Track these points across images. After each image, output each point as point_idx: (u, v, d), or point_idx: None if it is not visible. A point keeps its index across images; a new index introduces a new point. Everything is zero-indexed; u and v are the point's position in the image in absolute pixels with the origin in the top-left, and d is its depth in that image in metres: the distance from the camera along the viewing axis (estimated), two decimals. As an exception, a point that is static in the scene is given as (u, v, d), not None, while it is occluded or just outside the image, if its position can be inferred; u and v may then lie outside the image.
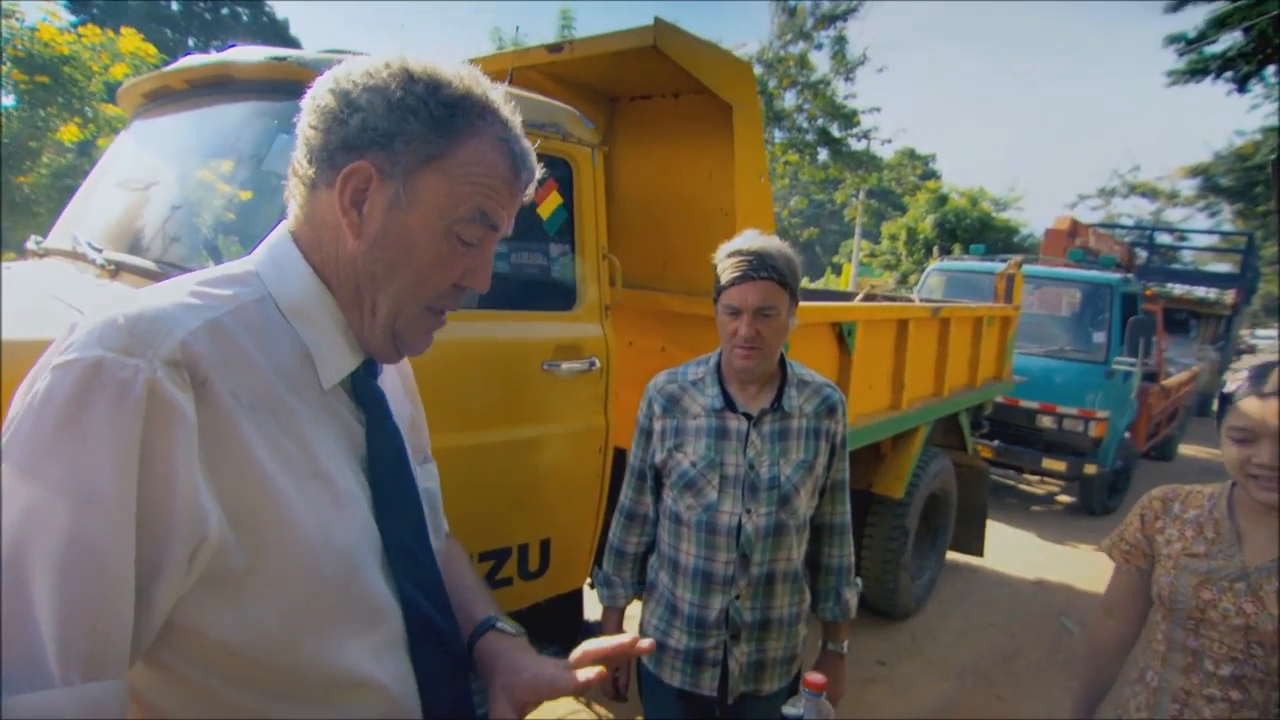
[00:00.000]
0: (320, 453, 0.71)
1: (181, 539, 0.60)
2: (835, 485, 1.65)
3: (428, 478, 0.93)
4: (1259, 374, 1.32)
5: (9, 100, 6.67)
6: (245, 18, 22.77)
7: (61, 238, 2.09)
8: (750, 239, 1.49)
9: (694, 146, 2.63)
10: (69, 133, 6.81)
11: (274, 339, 0.72)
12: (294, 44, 24.04)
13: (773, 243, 1.49)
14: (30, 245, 2.17)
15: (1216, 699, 1.34)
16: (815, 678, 1.02)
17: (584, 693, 2.18)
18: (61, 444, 0.57)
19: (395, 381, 0.93)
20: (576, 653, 0.81)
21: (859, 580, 1.72)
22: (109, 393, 0.58)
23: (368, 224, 0.73)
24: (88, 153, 7.02)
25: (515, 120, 0.78)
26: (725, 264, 1.49)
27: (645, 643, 0.81)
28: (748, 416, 1.53)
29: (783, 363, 1.59)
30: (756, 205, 2.55)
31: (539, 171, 0.82)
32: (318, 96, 0.73)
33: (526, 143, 0.79)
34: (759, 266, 1.44)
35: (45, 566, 0.56)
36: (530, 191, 0.82)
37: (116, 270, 1.69)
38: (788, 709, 0.92)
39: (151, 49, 8.01)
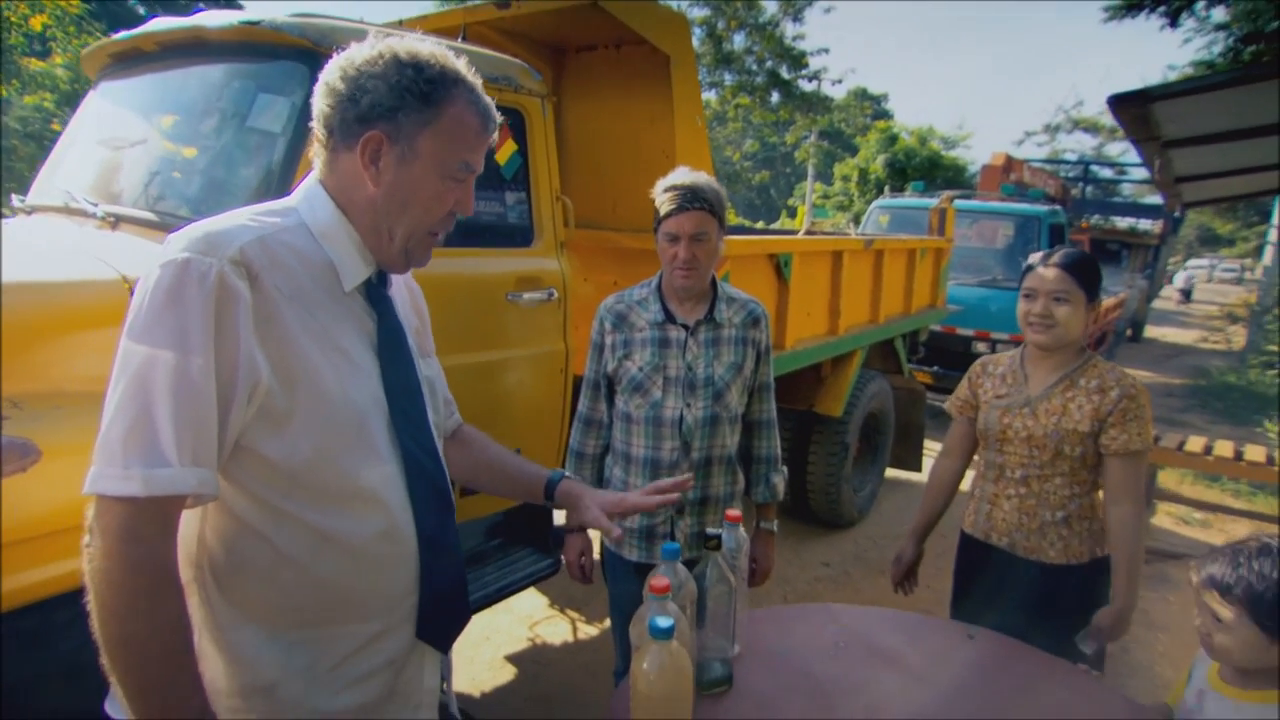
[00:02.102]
0: (339, 333, 0.99)
1: (243, 380, 0.88)
2: (761, 387, 1.95)
3: (428, 368, 1.20)
4: (1043, 255, 1.82)
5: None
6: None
7: (45, 194, 2.23)
8: (682, 175, 1.75)
9: (636, 94, 2.84)
10: (-11, 90, 6.61)
11: (308, 253, 0.98)
12: (223, -9, 22.87)
13: (701, 177, 1.75)
14: (15, 203, 2.30)
15: (1011, 496, 1.90)
16: (733, 513, 1.33)
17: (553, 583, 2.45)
18: (167, 314, 0.85)
19: (404, 298, 1.20)
20: (649, 486, 1.29)
21: (784, 469, 2.04)
22: (194, 280, 0.86)
23: (383, 175, 0.99)
24: (7, 111, 6.86)
25: (478, 82, 1.04)
26: (663, 197, 1.74)
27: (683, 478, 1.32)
28: (685, 327, 1.81)
29: (714, 283, 1.86)
30: (694, 146, 2.79)
31: (499, 118, 1.07)
32: (330, 81, 0.98)
33: (488, 98, 1.05)
34: (692, 198, 1.70)
35: (163, 390, 0.84)
36: (495, 135, 1.08)
37: (116, 222, 1.87)
38: (710, 529, 1.21)
39: (75, -1, 7.74)
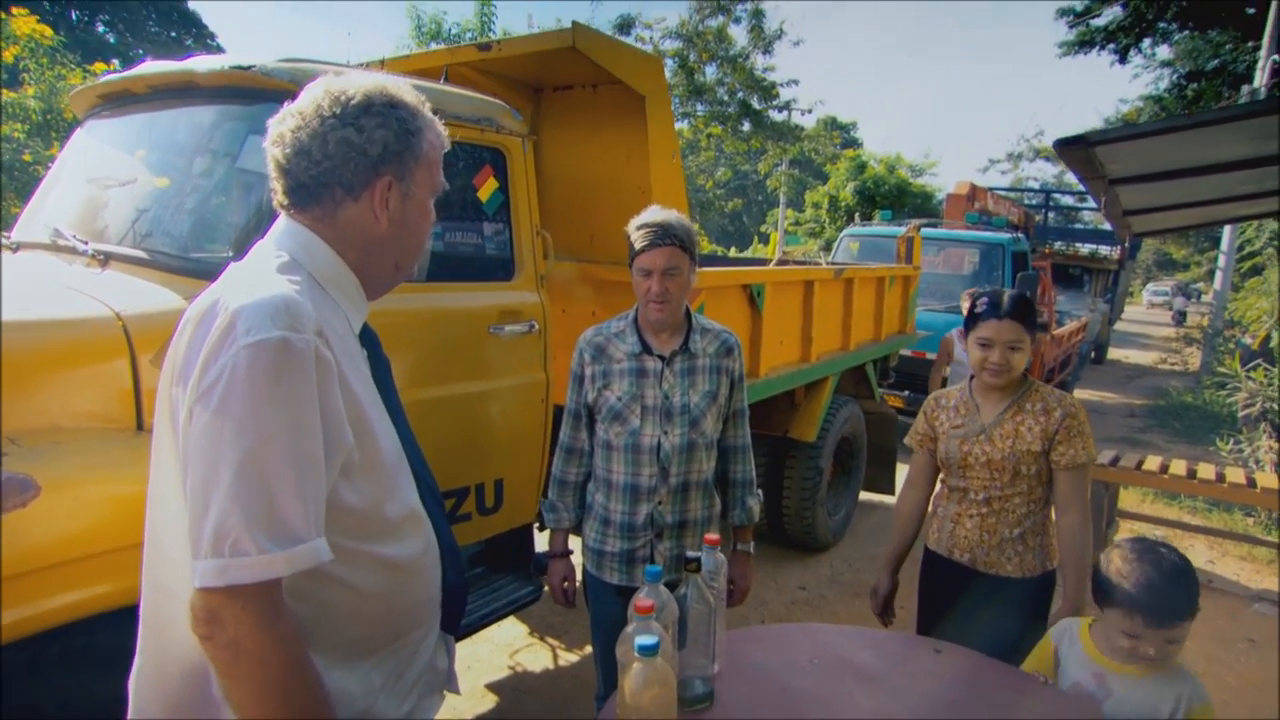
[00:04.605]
0: (367, 375, 1.05)
1: (338, 445, 0.93)
2: (736, 413, 2.03)
3: None
4: (994, 302, 1.95)
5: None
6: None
7: (31, 231, 2.26)
8: (654, 213, 1.85)
9: (612, 131, 2.94)
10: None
11: (329, 307, 1.01)
12: (190, 18, 22.91)
13: (673, 215, 1.85)
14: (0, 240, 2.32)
15: (974, 515, 2.04)
16: (712, 536, 1.40)
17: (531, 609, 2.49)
18: (275, 393, 0.86)
19: None
20: None
21: (759, 492, 2.12)
22: (297, 359, 0.88)
23: (392, 215, 1.05)
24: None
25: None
26: (636, 235, 1.84)
27: None
28: (661, 358, 1.89)
29: (688, 314, 1.95)
30: (669, 182, 2.90)
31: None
32: (334, 130, 0.99)
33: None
34: (663, 235, 1.80)
35: (284, 468, 0.86)
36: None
37: (106, 260, 1.91)
38: (690, 553, 1.28)
39: (48, 30, 7.74)
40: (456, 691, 1.30)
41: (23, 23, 7.55)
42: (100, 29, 21.96)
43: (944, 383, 4.87)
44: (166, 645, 0.97)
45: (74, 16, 20.96)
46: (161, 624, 0.97)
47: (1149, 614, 1.38)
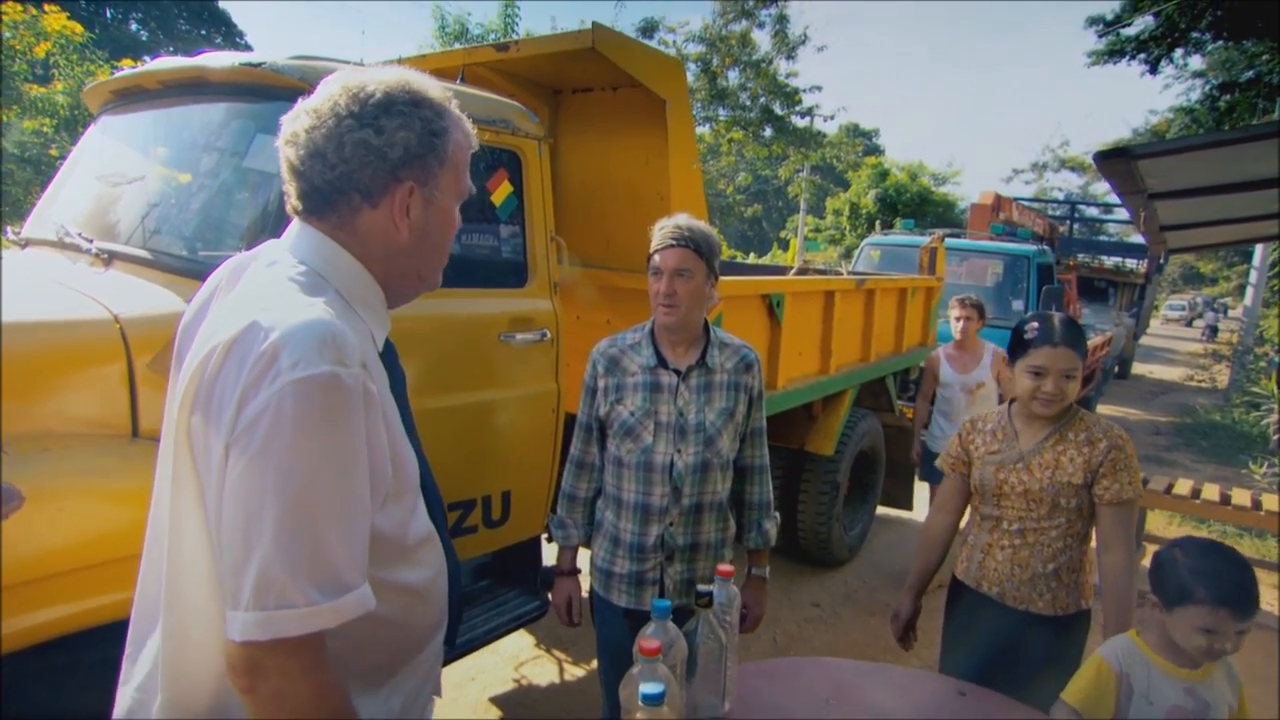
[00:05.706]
0: (393, 401, 0.96)
1: (380, 482, 0.88)
2: (754, 432, 1.94)
3: None
4: (1046, 328, 1.84)
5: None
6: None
7: (41, 228, 2.23)
8: (678, 218, 1.80)
9: (632, 136, 2.87)
10: (-11, 114, 6.65)
11: (358, 327, 0.92)
12: (219, 16, 23.20)
13: (696, 223, 1.79)
14: (9, 236, 2.29)
15: (1005, 547, 1.92)
16: (725, 568, 1.32)
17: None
18: (325, 433, 0.80)
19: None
20: None
21: (777, 514, 2.03)
22: (347, 396, 0.82)
23: (414, 223, 0.97)
24: (6, 135, 6.90)
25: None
26: (656, 236, 1.79)
27: None
28: (677, 372, 1.81)
29: (706, 328, 1.87)
30: (689, 189, 2.82)
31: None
32: (351, 131, 0.90)
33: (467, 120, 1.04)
34: (679, 237, 1.75)
35: (332, 514, 0.80)
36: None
37: (110, 259, 1.86)
38: (701, 586, 1.21)
39: (78, 27, 7.85)
40: (439, 694, 1.25)
41: (53, 19, 7.65)
42: (133, 27, 22.28)
43: (931, 404, 4.54)
44: (191, 689, 0.90)
45: (108, 14, 21.30)
46: (183, 670, 0.90)
47: (1235, 606, 1.36)
